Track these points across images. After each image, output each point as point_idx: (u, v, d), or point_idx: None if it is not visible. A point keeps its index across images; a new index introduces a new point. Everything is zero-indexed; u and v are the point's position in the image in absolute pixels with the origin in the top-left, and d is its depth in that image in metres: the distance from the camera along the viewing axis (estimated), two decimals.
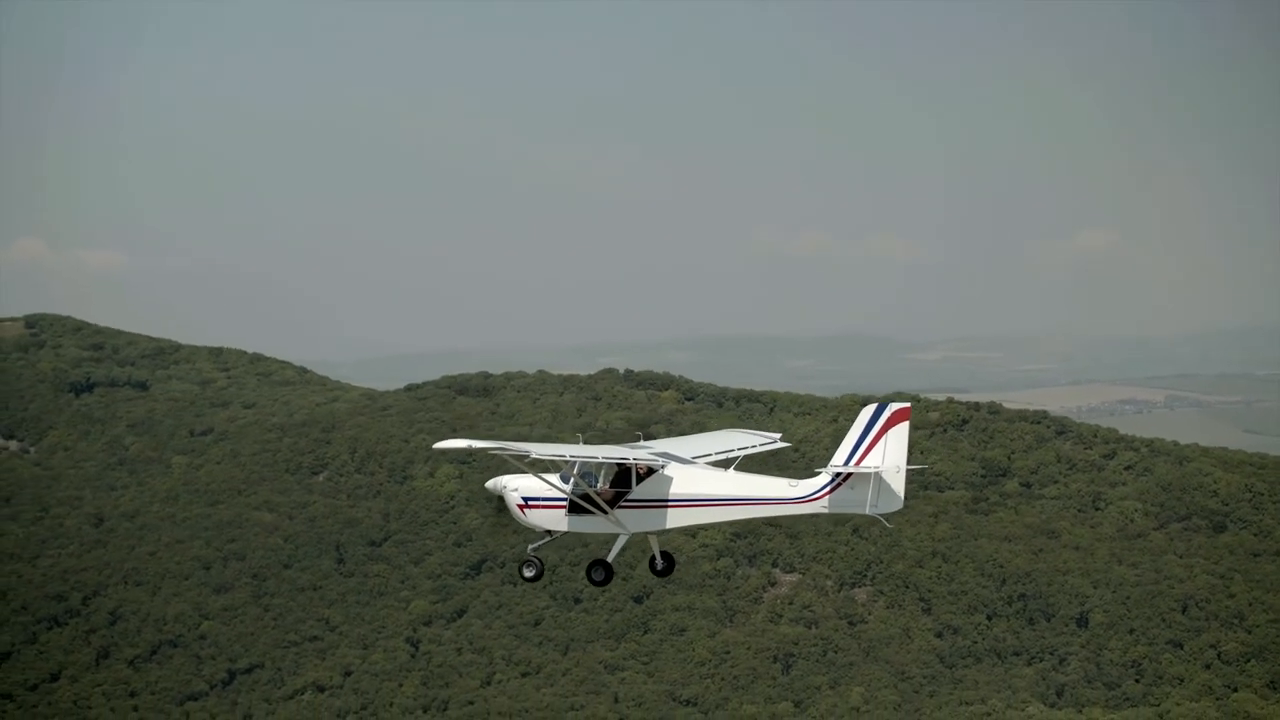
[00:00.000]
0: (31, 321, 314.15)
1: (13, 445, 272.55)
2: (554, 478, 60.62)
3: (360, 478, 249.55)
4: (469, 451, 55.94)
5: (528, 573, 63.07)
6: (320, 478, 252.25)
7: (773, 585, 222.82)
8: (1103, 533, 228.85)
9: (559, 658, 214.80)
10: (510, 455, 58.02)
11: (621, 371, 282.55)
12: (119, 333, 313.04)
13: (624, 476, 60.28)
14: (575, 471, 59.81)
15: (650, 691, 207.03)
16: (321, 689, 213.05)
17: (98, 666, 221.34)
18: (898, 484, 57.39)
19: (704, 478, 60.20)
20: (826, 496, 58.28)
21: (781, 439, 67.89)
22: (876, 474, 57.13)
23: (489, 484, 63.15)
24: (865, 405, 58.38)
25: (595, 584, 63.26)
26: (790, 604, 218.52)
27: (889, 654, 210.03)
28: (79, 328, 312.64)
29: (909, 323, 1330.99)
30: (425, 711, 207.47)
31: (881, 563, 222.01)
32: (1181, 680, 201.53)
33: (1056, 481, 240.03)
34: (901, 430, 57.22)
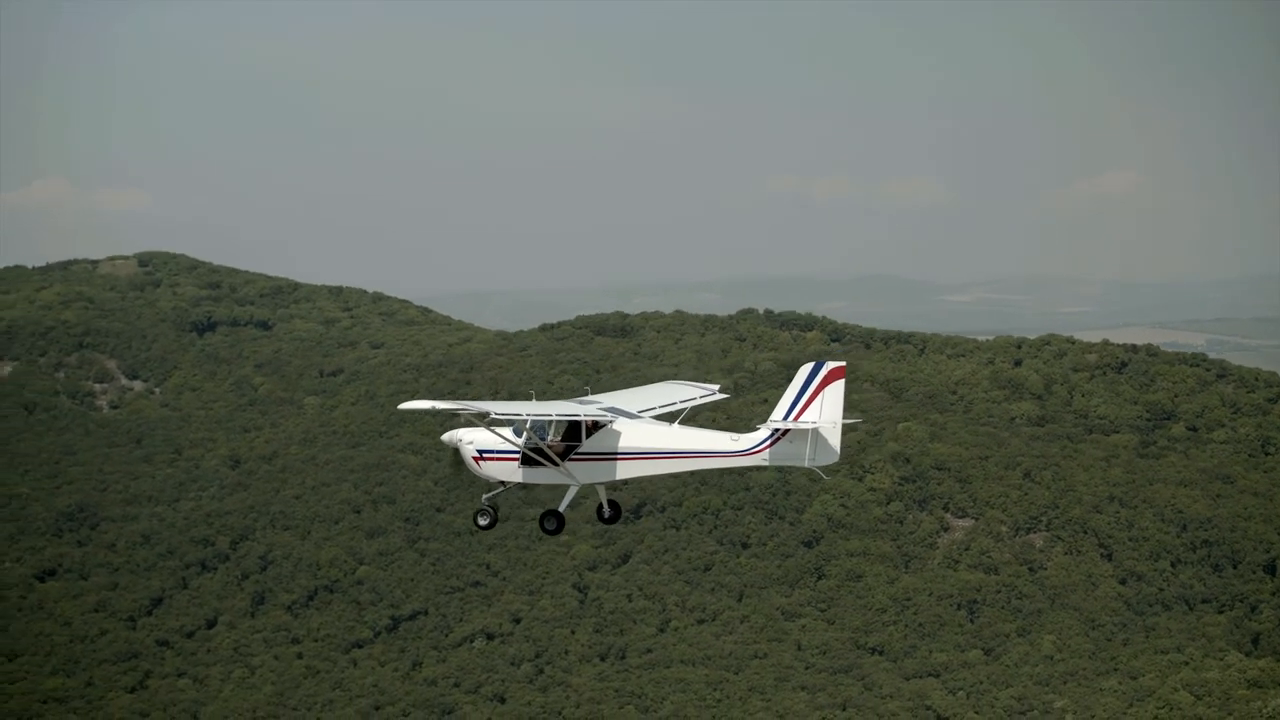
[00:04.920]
0: (144, 260, 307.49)
1: (137, 385, 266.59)
2: (508, 431, 62.32)
3: None
4: (432, 412, 58.19)
5: (481, 521, 65.16)
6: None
7: (946, 530, 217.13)
8: (1278, 478, 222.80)
9: (734, 604, 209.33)
10: (471, 415, 60.36)
11: (761, 311, 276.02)
12: (235, 271, 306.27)
13: (574, 430, 62.04)
14: (528, 424, 61.36)
15: (833, 639, 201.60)
16: (491, 636, 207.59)
17: (254, 613, 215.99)
18: (834, 438, 59.49)
19: (649, 432, 62.02)
20: (767, 450, 60.35)
21: (720, 390, 70.16)
22: (814, 429, 59.17)
23: (445, 437, 64.49)
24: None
25: (547, 532, 65.39)
26: (967, 550, 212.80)
27: (1075, 601, 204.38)
28: (193, 266, 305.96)
29: (938, 265, 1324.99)
30: (603, 660, 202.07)
31: (1057, 508, 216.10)
32: None
33: (1223, 425, 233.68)
34: (837, 387, 59.16)
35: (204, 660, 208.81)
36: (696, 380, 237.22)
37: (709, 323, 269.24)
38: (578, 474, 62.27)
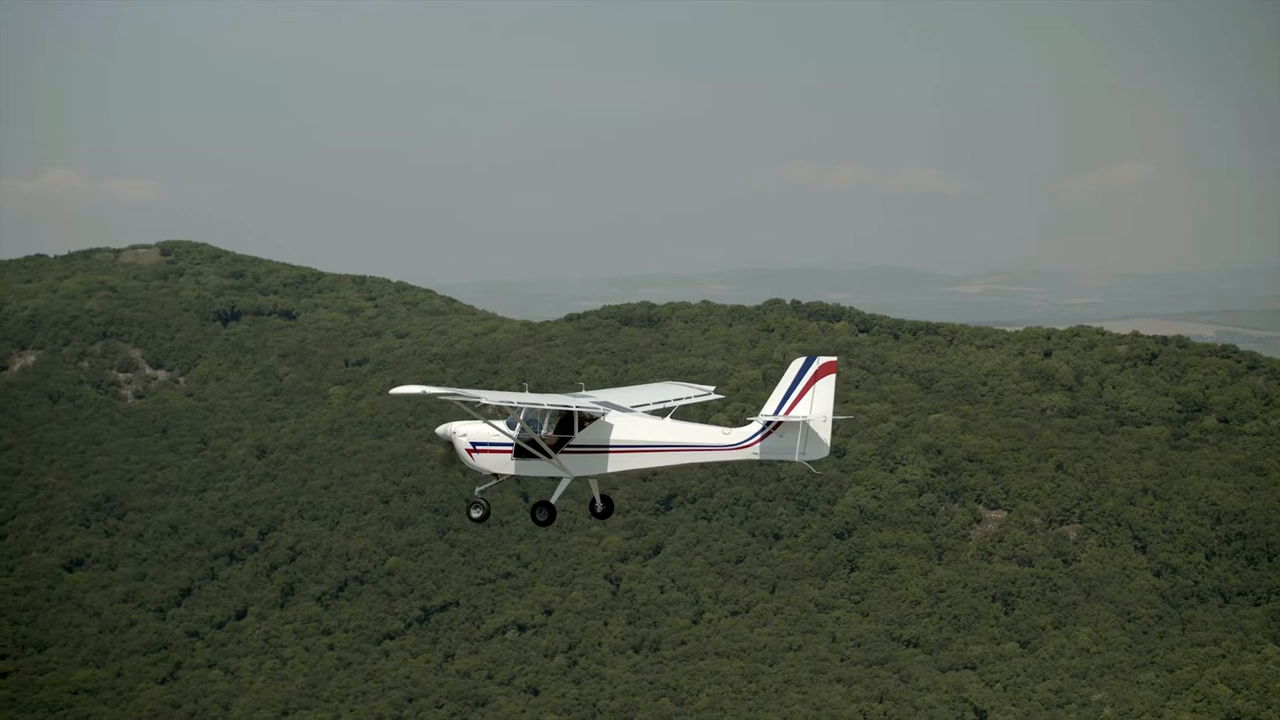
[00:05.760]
0: (167, 249, 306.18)
1: (162, 375, 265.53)
2: (502, 423, 62.82)
3: None
4: (424, 397, 58.53)
5: (475, 513, 65.88)
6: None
7: (978, 522, 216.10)
8: None
9: (767, 596, 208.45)
10: (462, 401, 59.93)
11: (788, 302, 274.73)
12: (258, 260, 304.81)
13: (567, 423, 62.49)
14: (522, 417, 61.88)
15: (868, 631, 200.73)
16: (523, 628, 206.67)
17: (284, 604, 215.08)
18: (824, 433, 59.75)
19: (642, 425, 62.43)
20: (758, 444, 60.64)
21: (715, 391, 70.16)
22: (804, 423, 59.42)
23: (439, 429, 65.33)
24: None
25: (539, 523, 65.03)
26: (1000, 542, 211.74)
27: (1110, 593, 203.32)
28: (216, 255, 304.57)
29: (944, 256, 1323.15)
30: (636, 651, 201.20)
31: (1090, 500, 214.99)
32: None
33: (1255, 417, 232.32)
34: (828, 382, 59.44)
35: (235, 651, 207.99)
36: (727, 367, 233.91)
37: (736, 313, 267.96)
38: (570, 466, 62.32)
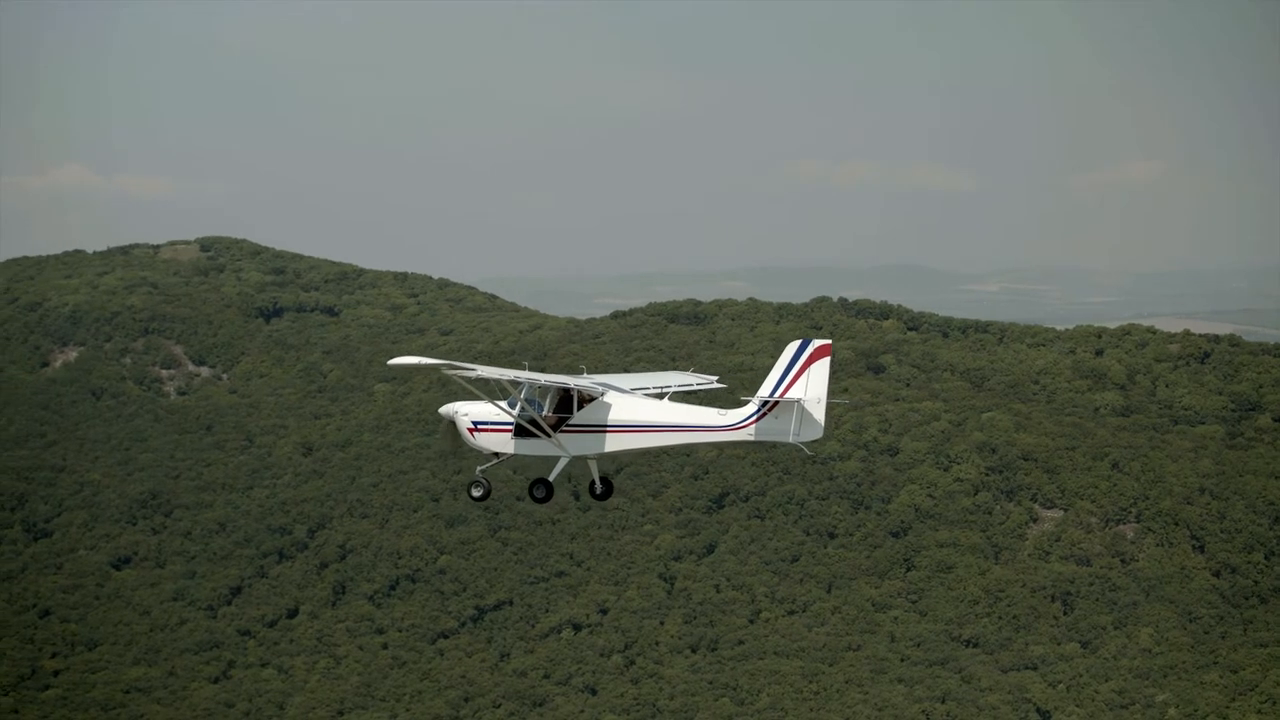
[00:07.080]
0: (206, 245, 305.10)
1: (205, 372, 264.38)
2: (502, 403, 63.88)
3: None
4: (422, 367, 59.13)
5: (475, 492, 67.41)
6: None
7: (1035, 521, 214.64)
8: None
9: (824, 595, 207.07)
10: (458, 375, 60.67)
11: (835, 299, 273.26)
12: (299, 256, 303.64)
13: (566, 402, 63.51)
14: (522, 395, 63.06)
15: (927, 631, 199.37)
16: (578, 627, 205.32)
17: (336, 602, 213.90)
18: (819, 414, 60.03)
19: (640, 405, 63.51)
20: (753, 425, 61.14)
21: (718, 380, 71.12)
22: (799, 404, 59.65)
23: (442, 409, 66.70)
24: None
25: (536, 501, 67.06)
26: (1057, 541, 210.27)
27: (1170, 593, 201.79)
28: (257, 251, 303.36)
29: (953, 254, 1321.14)
30: (694, 651, 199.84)
31: (1147, 499, 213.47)
32: None
33: None
34: (823, 365, 59.74)
35: (288, 650, 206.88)
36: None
37: (783, 311, 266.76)
38: (569, 445, 63.34)
